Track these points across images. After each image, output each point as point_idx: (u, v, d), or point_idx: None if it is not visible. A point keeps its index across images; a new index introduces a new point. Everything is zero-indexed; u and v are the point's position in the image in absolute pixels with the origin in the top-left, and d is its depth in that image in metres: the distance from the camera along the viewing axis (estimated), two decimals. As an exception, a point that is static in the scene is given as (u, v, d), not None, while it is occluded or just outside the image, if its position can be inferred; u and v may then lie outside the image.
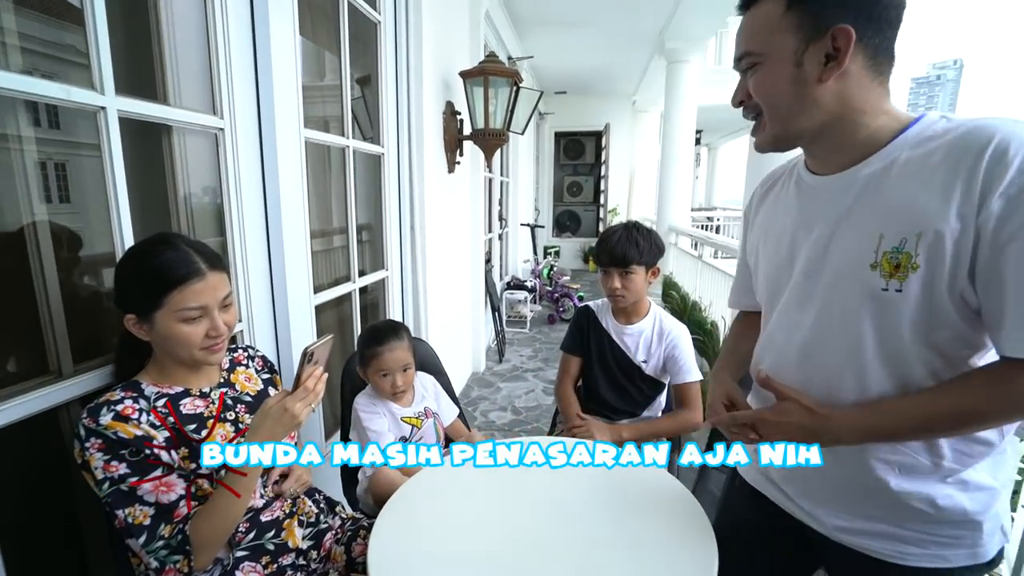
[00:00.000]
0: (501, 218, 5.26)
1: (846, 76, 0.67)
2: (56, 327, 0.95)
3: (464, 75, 2.72)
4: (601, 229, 8.51)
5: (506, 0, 4.19)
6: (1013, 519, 1.25)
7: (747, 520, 0.94)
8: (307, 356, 0.84)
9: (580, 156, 9.15)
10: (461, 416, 1.59)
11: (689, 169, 5.95)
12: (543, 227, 7.92)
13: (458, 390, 3.36)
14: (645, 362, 1.57)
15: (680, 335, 1.56)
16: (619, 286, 1.50)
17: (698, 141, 11.01)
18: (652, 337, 1.57)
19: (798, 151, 0.82)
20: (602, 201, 8.19)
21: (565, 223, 9.26)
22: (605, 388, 1.62)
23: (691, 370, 1.54)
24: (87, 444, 0.77)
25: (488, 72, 2.66)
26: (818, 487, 0.79)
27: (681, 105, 5.44)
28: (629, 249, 1.46)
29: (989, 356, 0.68)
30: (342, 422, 1.51)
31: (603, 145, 8.04)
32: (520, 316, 5.07)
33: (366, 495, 1.33)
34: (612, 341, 1.59)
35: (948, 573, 0.73)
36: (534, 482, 1.11)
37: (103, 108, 0.97)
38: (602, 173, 8.16)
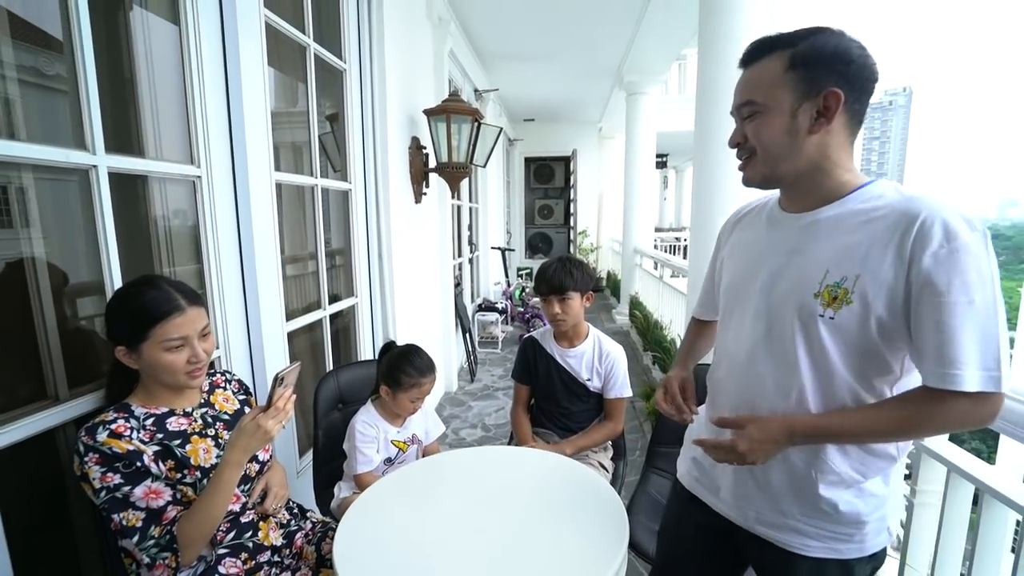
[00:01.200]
0: (471, 243, 5.44)
1: (829, 132, 0.80)
2: (53, 356, 1.08)
3: (428, 113, 2.92)
4: (572, 250, 8.77)
5: (470, 37, 4.43)
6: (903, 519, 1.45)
7: (684, 519, 1.07)
8: (278, 380, 0.99)
9: (550, 180, 9.45)
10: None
11: (652, 193, 6.24)
12: (513, 250, 8.13)
13: (431, 409, 3.47)
14: (589, 380, 1.74)
15: (617, 355, 1.74)
16: (559, 311, 1.68)
17: (664, 164, 11.47)
18: (593, 357, 1.74)
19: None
20: (572, 224, 8.45)
21: (537, 245, 9.49)
22: (556, 407, 1.78)
23: (623, 387, 1.73)
24: (86, 458, 0.90)
25: (450, 111, 2.86)
26: (752, 487, 0.92)
27: (640, 133, 5.75)
28: (565, 278, 1.66)
29: (903, 386, 0.82)
30: (314, 440, 1.63)
31: (571, 170, 8.35)
32: (492, 337, 5.22)
33: (339, 510, 1.46)
34: (558, 364, 1.76)
35: (841, 564, 0.88)
36: (487, 482, 1.26)
37: (95, 166, 1.11)
38: (571, 196, 8.44)
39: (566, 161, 8.88)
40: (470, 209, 5.36)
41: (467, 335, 4.31)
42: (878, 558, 0.90)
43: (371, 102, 2.39)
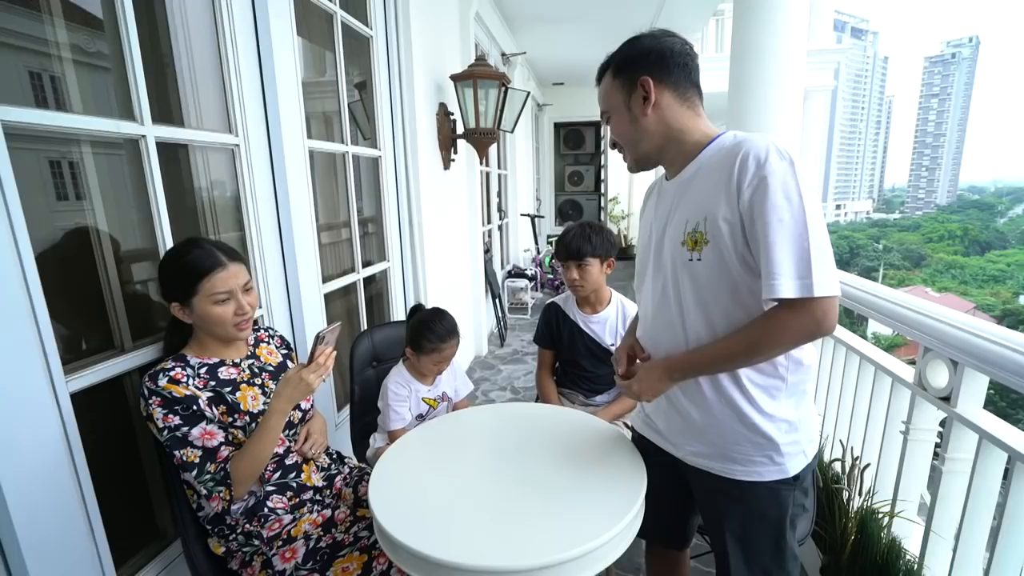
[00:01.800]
0: (500, 209, 5.46)
1: (660, 107, 0.97)
2: (118, 313, 1.19)
3: (455, 78, 2.92)
4: (603, 217, 8.68)
5: (496, 0, 4.35)
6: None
7: (647, 462, 1.14)
8: (319, 338, 1.07)
9: (580, 146, 9.29)
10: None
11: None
12: (543, 217, 8.11)
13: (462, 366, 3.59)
14: (613, 344, 1.76)
15: None
16: (576, 277, 1.71)
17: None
18: (617, 322, 1.77)
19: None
20: (603, 190, 8.35)
21: (567, 212, 9.43)
22: (580, 371, 1.83)
23: None
24: (150, 401, 1.01)
25: (477, 76, 2.86)
26: (683, 425, 1.05)
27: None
28: (583, 244, 1.68)
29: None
30: (351, 395, 1.73)
31: (602, 135, 8.18)
32: (521, 303, 5.29)
33: (373, 458, 1.56)
34: (581, 330, 1.79)
35: (766, 486, 0.98)
36: (509, 434, 1.33)
37: (143, 136, 1.19)
38: (602, 163, 8.31)
39: (596, 126, 8.70)
40: (499, 176, 5.36)
41: (497, 301, 4.39)
42: (803, 480, 1.00)
43: (398, 68, 2.42)
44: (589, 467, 1.15)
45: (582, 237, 1.69)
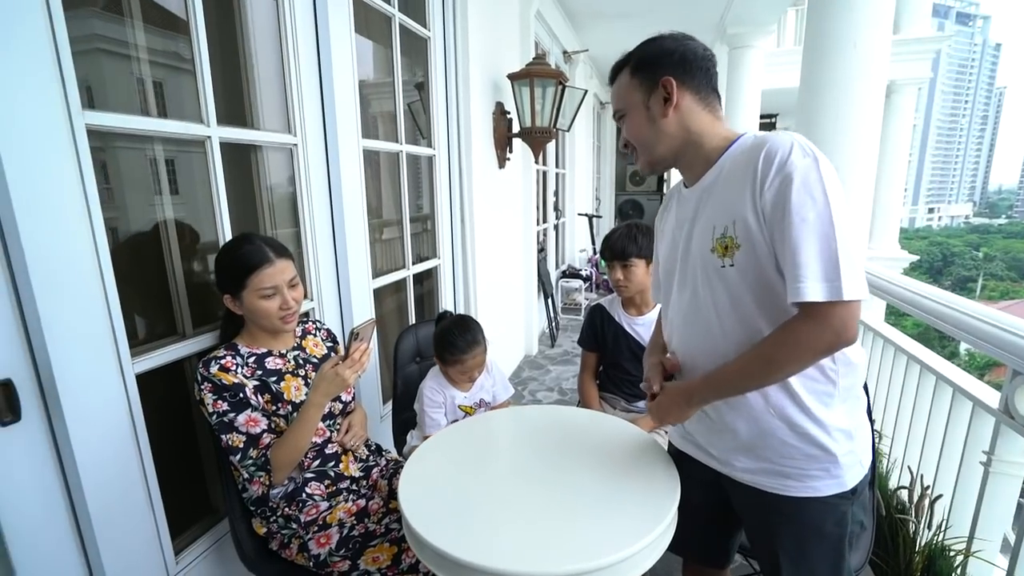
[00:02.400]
0: (557, 208, 5.42)
1: (680, 110, 0.93)
2: (181, 302, 1.28)
3: (511, 77, 2.92)
4: (664, 218, 8.41)
5: (560, -3, 4.31)
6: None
7: (682, 476, 1.09)
8: (353, 334, 1.10)
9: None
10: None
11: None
12: (601, 217, 7.98)
13: (510, 370, 3.61)
14: None
15: None
16: (621, 277, 1.69)
17: (773, 125, 10.49)
18: None
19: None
20: (664, 190, 8.10)
21: (628, 212, 9.22)
22: (623, 374, 1.78)
23: None
24: (202, 387, 1.08)
25: (534, 74, 2.85)
26: (729, 440, 0.98)
27: (744, 91, 5.29)
28: (628, 245, 1.66)
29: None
30: (394, 389, 1.78)
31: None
32: (575, 304, 5.23)
33: (409, 455, 1.59)
34: (626, 332, 1.76)
35: (821, 501, 0.92)
36: (543, 438, 1.31)
37: (209, 137, 1.27)
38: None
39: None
40: (556, 175, 5.32)
41: (549, 300, 4.36)
42: (859, 493, 0.94)
43: (455, 69, 2.45)
44: (621, 476, 1.11)
45: (628, 237, 1.68)
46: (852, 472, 0.92)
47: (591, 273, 5.73)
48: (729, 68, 5.37)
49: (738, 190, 0.86)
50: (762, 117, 5.84)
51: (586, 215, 6.38)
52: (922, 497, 1.40)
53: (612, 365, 1.81)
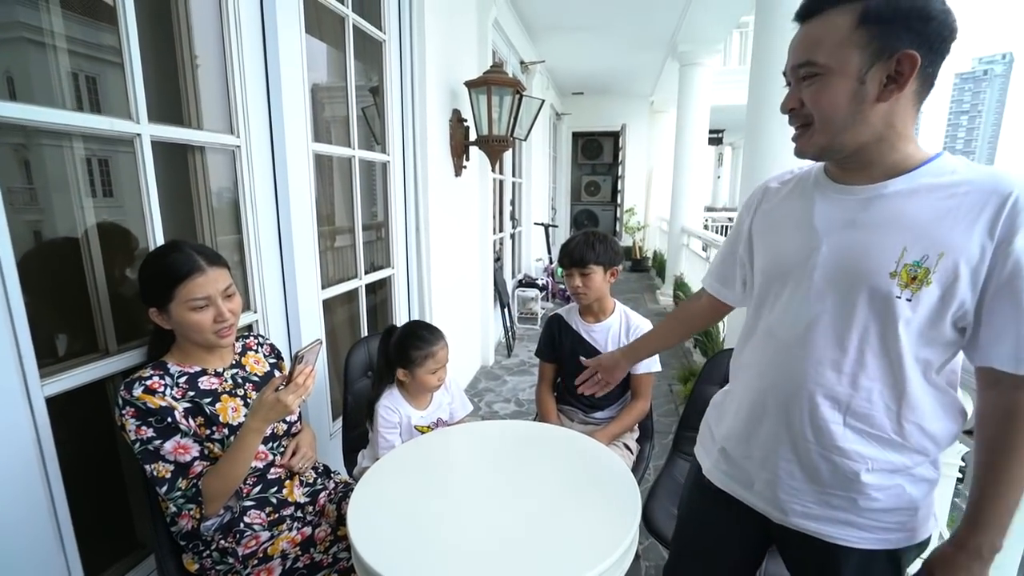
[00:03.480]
0: (513, 218, 5.41)
1: (898, 100, 0.72)
2: (104, 314, 1.16)
3: (469, 85, 2.89)
4: (618, 228, 8.60)
5: (516, 7, 4.33)
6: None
7: (711, 515, 1.01)
8: (297, 358, 1.00)
9: (598, 156, 9.24)
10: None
11: (703, 171, 5.99)
12: (557, 226, 8.05)
13: (466, 382, 3.54)
14: None
15: (646, 328, 1.67)
16: (580, 284, 1.66)
17: (720, 140, 10.95)
18: (620, 332, 1.71)
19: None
20: (619, 201, 8.27)
21: (583, 222, 9.36)
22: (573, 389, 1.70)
23: (652, 362, 1.67)
24: (123, 411, 0.97)
25: (491, 82, 2.82)
26: (792, 481, 0.85)
27: (693, 107, 5.48)
28: (586, 252, 1.64)
29: (946, 374, 0.79)
30: (344, 405, 1.68)
31: (620, 145, 8.12)
32: (531, 313, 5.22)
33: (360, 476, 1.49)
34: (583, 339, 1.73)
35: (890, 554, 0.82)
36: (500, 456, 1.27)
37: (139, 135, 1.16)
38: (619, 173, 8.25)
39: (615, 136, 8.65)
40: (513, 184, 5.32)
41: (506, 310, 4.33)
42: (924, 546, 0.85)
43: (411, 73, 2.39)
44: (581, 496, 1.09)
45: (586, 245, 1.66)
46: (927, 525, 0.83)
47: (547, 282, 5.75)
48: (680, 84, 5.56)
49: (958, 223, 0.71)
50: (710, 132, 6.06)
51: (542, 224, 6.41)
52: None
53: (569, 375, 1.78)
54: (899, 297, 0.73)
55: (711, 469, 0.99)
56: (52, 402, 0.99)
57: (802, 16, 0.76)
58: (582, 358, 1.44)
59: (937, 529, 0.86)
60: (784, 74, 0.81)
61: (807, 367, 0.81)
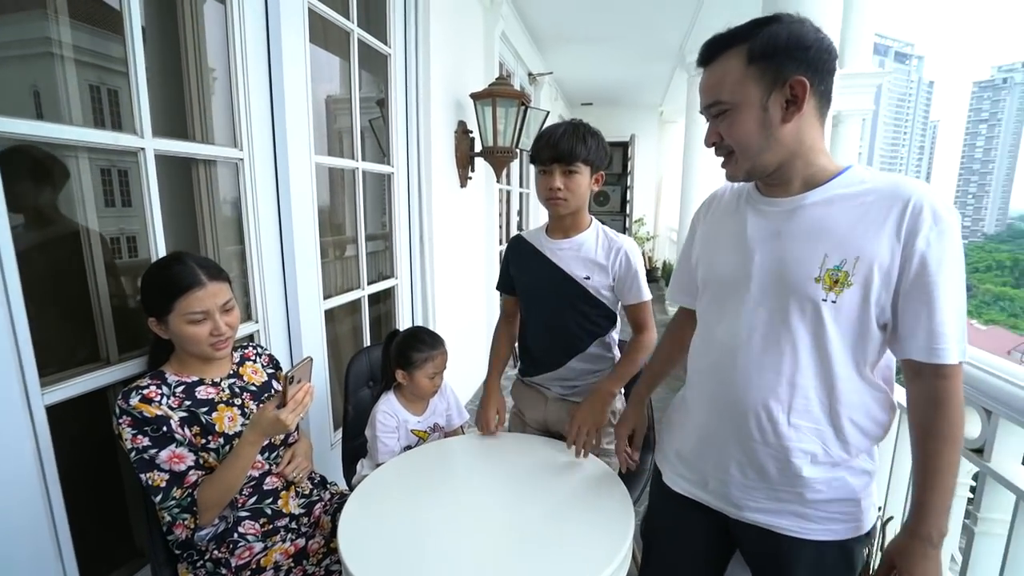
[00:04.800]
0: (520, 228, 5.42)
1: (800, 119, 0.81)
2: (106, 323, 1.18)
3: (474, 97, 2.91)
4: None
5: (524, 20, 4.37)
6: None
7: (677, 520, 1.05)
8: (290, 379, 1.01)
9: (607, 166, 9.23)
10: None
11: (714, 181, 5.97)
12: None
13: (470, 392, 3.53)
14: (587, 278, 1.37)
15: (631, 248, 1.39)
16: (560, 187, 1.31)
17: (730, 149, 10.93)
18: (596, 250, 1.38)
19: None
20: (628, 211, 8.25)
21: (592, 232, 9.33)
22: (542, 329, 1.46)
23: (642, 289, 1.38)
24: (120, 420, 0.98)
25: (496, 94, 2.84)
26: (744, 480, 0.91)
27: (702, 117, 5.47)
28: (576, 145, 1.30)
29: (881, 370, 0.86)
30: (344, 415, 1.69)
31: (629, 156, 8.12)
32: (539, 323, 5.20)
33: (359, 484, 1.50)
34: (545, 260, 1.40)
35: (840, 545, 0.88)
36: (494, 468, 1.26)
37: (142, 149, 1.19)
38: (628, 183, 8.23)
39: (624, 147, 8.64)
40: (520, 194, 5.34)
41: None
42: (871, 536, 0.93)
43: (415, 86, 2.42)
44: (576, 510, 1.08)
45: (575, 137, 1.31)
46: (871, 514, 0.89)
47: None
48: (689, 95, 5.56)
49: (867, 228, 0.79)
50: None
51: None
52: (875, 520, 1.41)
53: (530, 312, 1.46)
54: (824, 300, 0.81)
55: (671, 475, 1.04)
56: (52, 411, 1.01)
57: (702, 62, 0.86)
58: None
59: (878, 517, 0.93)
60: (701, 113, 0.88)
61: (751, 371, 0.87)
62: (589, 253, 1.38)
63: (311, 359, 1.08)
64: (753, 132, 0.81)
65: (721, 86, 0.82)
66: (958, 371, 0.78)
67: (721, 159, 0.89)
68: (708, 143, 0.88)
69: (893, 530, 1.44)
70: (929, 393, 0.79)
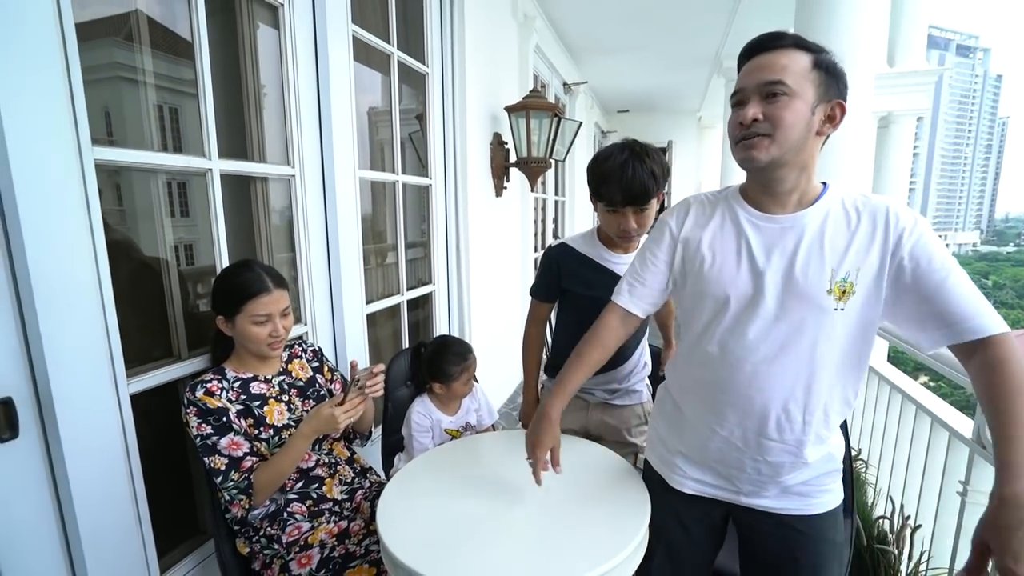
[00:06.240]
0: (556, 236, 5.50)
1: (821, 139, 0.89)
2: (178, 324, 1.34)
3: (508, 110, 3.02)
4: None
5: (558, 32, 4.47)
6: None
7: (680, 512, 1.09)
8: (355, 381, 1.18)
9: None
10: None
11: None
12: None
13: (506, 395, 3.62)
14: None
15: None
16: (635, 225, 1.28)
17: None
18: None
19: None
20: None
21: (629, 238, 9.29)
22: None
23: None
24: (187, 410, 1.12)
25: (530, 107, 2.95)
26: (758, 476, 0.97)
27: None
28: (648, 183, 1.23)
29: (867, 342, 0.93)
30: (384, 412, 1.81)
31: (667, 162, 8.08)
32: (574, 329, 5.25)
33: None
34: (615, 276, 1.33)
35: (827, 516, 0.99)
36: (521, 463, 1.34)
37: (210, 169, 1.35)
38: (667, 190, 8.18)
39: (662, 153, 8.60)
40: (556, 202, 5.41)
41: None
42: (846, 508, 1.04)
43: (452, 102, 2.55)
44: (596, 497, 1.14)
45: (644, 172, 1.23)
46: (841, 482, 1.01)
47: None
48: (726, 101, 5.50)
49: (860, 241, 0.88)
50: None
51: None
52: (903, 527, 1.40)
53: (584, 323, 1.29)
54: (836, 309, 0.88)
55: (678, 479, 1.07)
56: (135, 399, 1.16)
57: (768, 47, 0.88)
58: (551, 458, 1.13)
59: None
60: (736, 93, 0.90)
61: (771, 379, 0.92)
62: None
63: (374, 369, 1.24)
64: (799, 124, 0.85)
65: (788, 71, 0.85)
66: (1008, 338, 0.80)
67: (744, 141, 0.88)
68: (748, 118, 0.87)
69: (922, 539, 1.43)
70: (988, 361, 0.79)
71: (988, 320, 0.80)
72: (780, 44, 0.86)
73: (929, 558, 1.39)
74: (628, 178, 1.24)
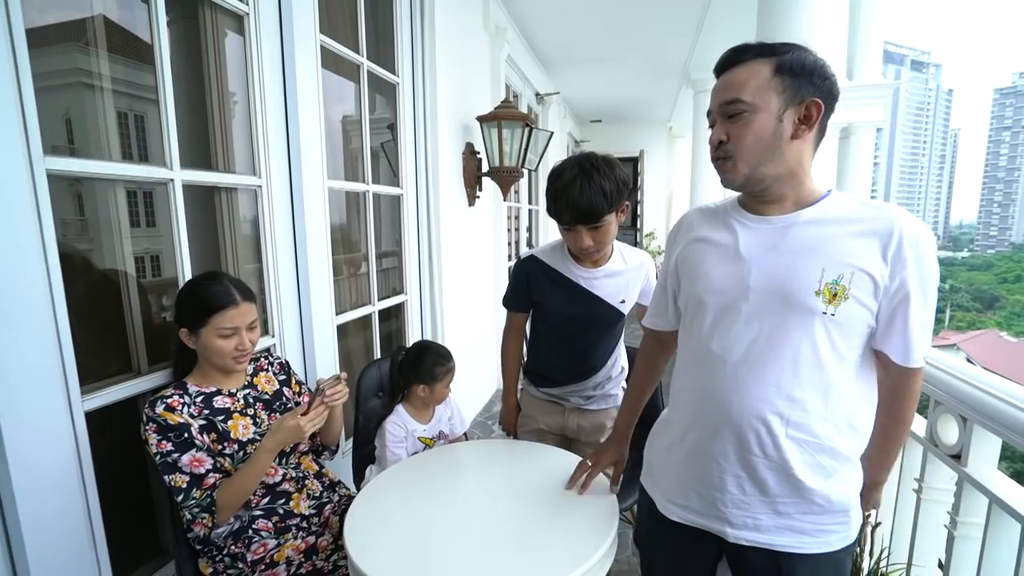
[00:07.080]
0: (530, 244, 5.53)
1: (805, 140, 0.87)
2: (138, 338, 1.29)
3: (481, 119, 3.04)
4: (638, 252, 8.59)
5: (531, 43, 4.52)
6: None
7: (671, 547, 1.05)
8: (320, 391, 1.16)
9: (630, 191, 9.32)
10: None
11: (720, 195, 6.01)
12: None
13: (481, 404, 3.60)
14: (623, 302, 1.42)
15: (648, 262, 1.48)
16: (590, 243, 1.29)
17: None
18: (627, 274, 1.44)
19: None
20: (639, 226, 8.32)
21: (603, 246, 9.40)
22: (575, 345, 1.47)
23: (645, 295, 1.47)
24: (147, 427, 1.09)
25: (501, 117, 2.97)
26: (742, 496, 0.91)
27: (707, 132, 5.54)
28: (596, 200, 1.22)
29: (866, 364, 0.91)
30: (355, 423, 1.78)
31: (639, 171, 8.21)
32: (549, 337, 5.26)
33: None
34: (581, 290, 1.39)
35: (831, 557, 0.90)
36: (493, 472, 1.34)
37: (171, 180, 1.31)
38: (638, 198, 8.31)
39: (634, 162, 8.74)
40: (530, 211, 5.45)
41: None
42: (859, 543, 1.01)
43: (423, 112, 2.55)
44: (566, 509, 1.15)
45: (592, 190, 1.22)
46: (855, 524, 0.92)
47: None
48: (695, 110, 5.64)
49: (858, 246, 0.84)
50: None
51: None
52: (864, 524, 1.44)
53: (564, 337, 1.44)
54: (824, 313, 0.84)
55: (664, 503, 1.02)
56: (90, 417, 1.12)
57: (725, 66, 0.89)
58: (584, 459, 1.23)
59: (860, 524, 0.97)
60: (708, 114, 0.92)
61: (749, 385, 0.88)
62: (622, 279, 1.42)
63: (340, 376, 1.22)
64: (765, 138, 0.84)
65: (744, 87, 0.85)
66: (920, 371, 0.90)
67: (717, 162, 0.90)
68: (714, 141, 0.89)
69: (882, 536, 1.48)
70: (897, 385, 0.91)
71: (919, 356, 0.86)
72: (741, 59, 0.87)
73: (889, 555, 1.44)
74: (575, 198, 1.24)
